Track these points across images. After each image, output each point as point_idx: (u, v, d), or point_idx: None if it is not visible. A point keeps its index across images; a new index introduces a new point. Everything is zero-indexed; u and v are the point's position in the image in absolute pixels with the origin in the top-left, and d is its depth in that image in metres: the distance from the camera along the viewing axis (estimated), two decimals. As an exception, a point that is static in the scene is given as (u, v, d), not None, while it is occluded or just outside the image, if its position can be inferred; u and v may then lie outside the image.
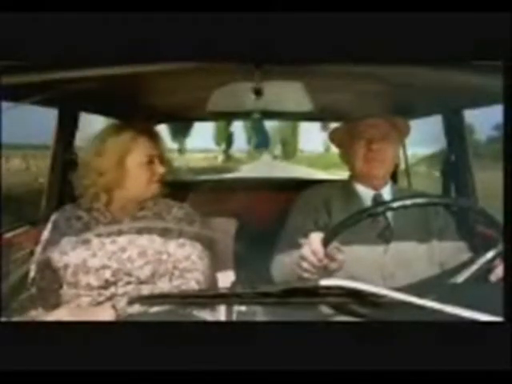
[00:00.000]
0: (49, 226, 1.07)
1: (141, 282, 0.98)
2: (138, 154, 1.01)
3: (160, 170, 1.04)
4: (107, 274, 0.97)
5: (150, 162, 1.03)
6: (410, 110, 1.45)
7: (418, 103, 1.36)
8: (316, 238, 0.82)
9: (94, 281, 0.97)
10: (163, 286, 0.99)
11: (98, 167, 1.01)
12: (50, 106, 1.33)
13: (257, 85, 0.88)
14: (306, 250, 0.83)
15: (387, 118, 1.11)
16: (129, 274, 0.98)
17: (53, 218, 1.08)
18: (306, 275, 0.83)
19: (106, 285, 0.97)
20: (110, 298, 0.96)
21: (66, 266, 0.99)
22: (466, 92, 1.04)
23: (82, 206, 1.06)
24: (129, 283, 0.98)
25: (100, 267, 0.98)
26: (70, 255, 0.99)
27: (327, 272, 0.83)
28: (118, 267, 0.98)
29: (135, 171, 1.01)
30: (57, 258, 1.00)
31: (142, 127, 1.04)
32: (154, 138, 1.05)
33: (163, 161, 1.06)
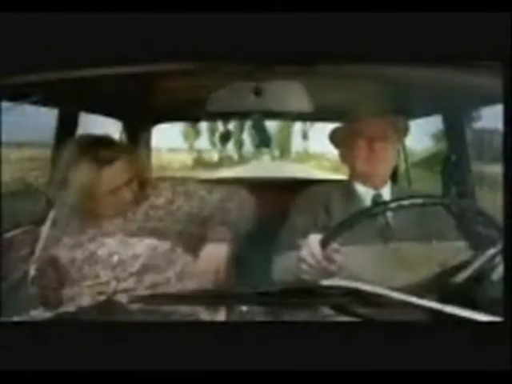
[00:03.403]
0: (48, 223, 1.07)
1: (140, 275, 0.99)
2: (101, 185, 0.96)
3: (127, 196, 0.99)
4: (114, 260, 0.98)
5: (115, 191, 0.98)
6: (410, 110, 1.45)
7: (418, 103, 1.36)
8: (314, 239, 0.82)
9: (101, 270, 0.97)
10: (169, 275, 1.00)
11: (64, 195, 0.98)
12: (50, 106, 1.33)
13: (257, 85, 0.88)
14: (304, 252, 0.82)
15: (387, 118, 1.11)
16: (130, 267, 0.99)
17: (51, 215, 1.08)
18: (305, 277, 0.83)
19: (111, 277, 0.98)
20: (113, 293, 0.96)
21: (72, 261, 0.99)
22: (466, 92, 1.04)
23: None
24: (130, 276, 0.98)
25: (107, 256, 0.98)
26: (74, 250, 1.00)
27: (327, 274, 0.83)
28: (120, 259, 0.99)
29: (100, 200, 0.98)
30: (60, 253, 1.00)
31: (104, 154, 0.96)
32: (122, 161, 0.98)
33: (132, 182, 1.00)
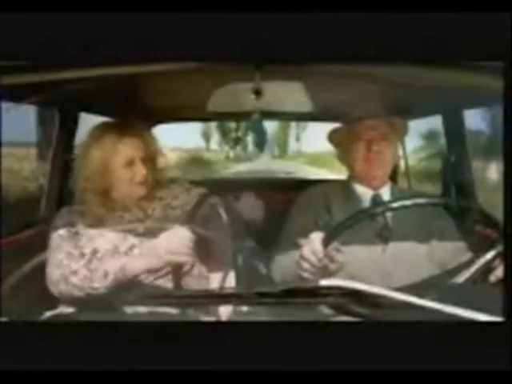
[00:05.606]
0: (60, 224, 1.05)
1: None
2: (118, 156, 1.02)
3: (142, 171, 1.03)
4: (135, 253, 0.99)
5: (130, 163, 1.03)
6: (410, 110, 1.45)
7: (418, 103, 1.36)
8: (316, 238, 0.82)
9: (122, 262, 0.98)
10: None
11: (84, 172, 1.03)
12: (50, 106, 1.33)
13: (257, 85, 0.88)
14: (305, 250, 0.83)
15: (386, 119, 1.11)
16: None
17: (62, 217, 1.06)
18: (305, 275, 0.83)
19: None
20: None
21: (94, 251, 0.99)
22: (466, 92, 1.04)
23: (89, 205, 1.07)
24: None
25: (129, 249, 1.00)
26: (97, 243, 1.00)
27: (327, 272, 0.83)
28: (141, 253, 1.00)
29: (117, 174, 1.02)
30: (84, 246, 1.01)
31: (125, 129, 1.04)
32: (139, 138, 1.05)
33: (147, 162, 1.05)
